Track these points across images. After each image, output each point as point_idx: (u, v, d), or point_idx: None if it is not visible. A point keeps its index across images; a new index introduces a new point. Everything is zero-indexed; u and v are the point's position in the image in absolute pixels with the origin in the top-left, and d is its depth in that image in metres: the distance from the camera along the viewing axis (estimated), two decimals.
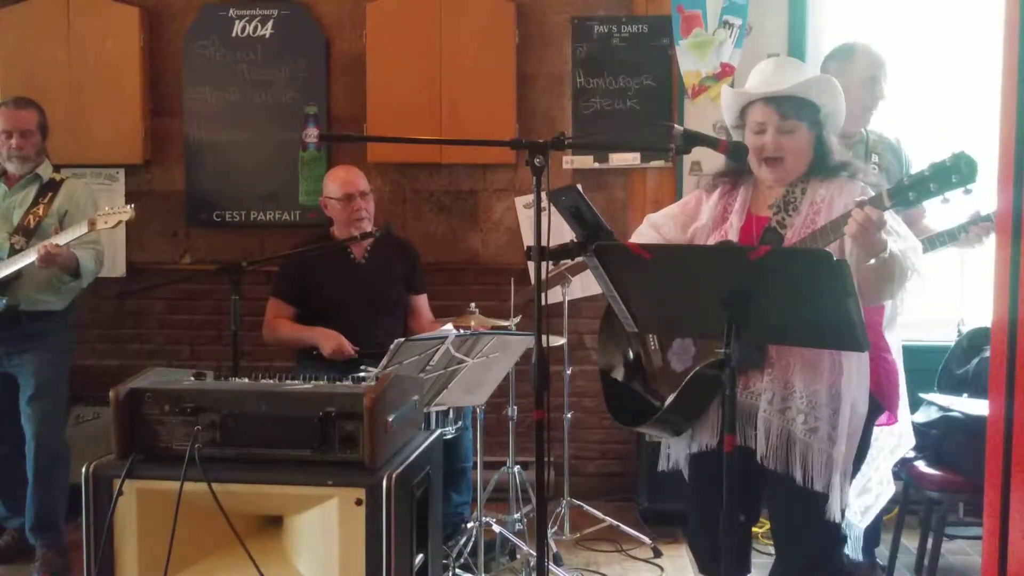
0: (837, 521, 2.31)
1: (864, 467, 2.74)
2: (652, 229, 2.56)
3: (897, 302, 2.33)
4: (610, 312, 2.68)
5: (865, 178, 2.37)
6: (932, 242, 3.26)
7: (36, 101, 3.68)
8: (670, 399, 2.39)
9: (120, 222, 3.38)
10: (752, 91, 2.42)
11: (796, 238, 2.32)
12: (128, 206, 3.40)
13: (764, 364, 2.32)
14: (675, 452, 2.60)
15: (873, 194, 2.21)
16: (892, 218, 2.23)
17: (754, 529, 3.63)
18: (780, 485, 2.33)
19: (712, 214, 2.48)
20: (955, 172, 2.03)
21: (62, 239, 3.39)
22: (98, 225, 3.36)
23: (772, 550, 2.57)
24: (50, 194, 3.60)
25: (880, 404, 2.40)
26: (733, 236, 2.40)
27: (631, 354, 2.60)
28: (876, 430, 2.59)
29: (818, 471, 2.28)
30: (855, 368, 2.28)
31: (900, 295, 2.27)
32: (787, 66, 2.47)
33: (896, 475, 3.46)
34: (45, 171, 3.66)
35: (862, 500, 2.60)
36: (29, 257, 3.38)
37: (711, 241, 2.45)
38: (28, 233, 3.52)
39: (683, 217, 2.55)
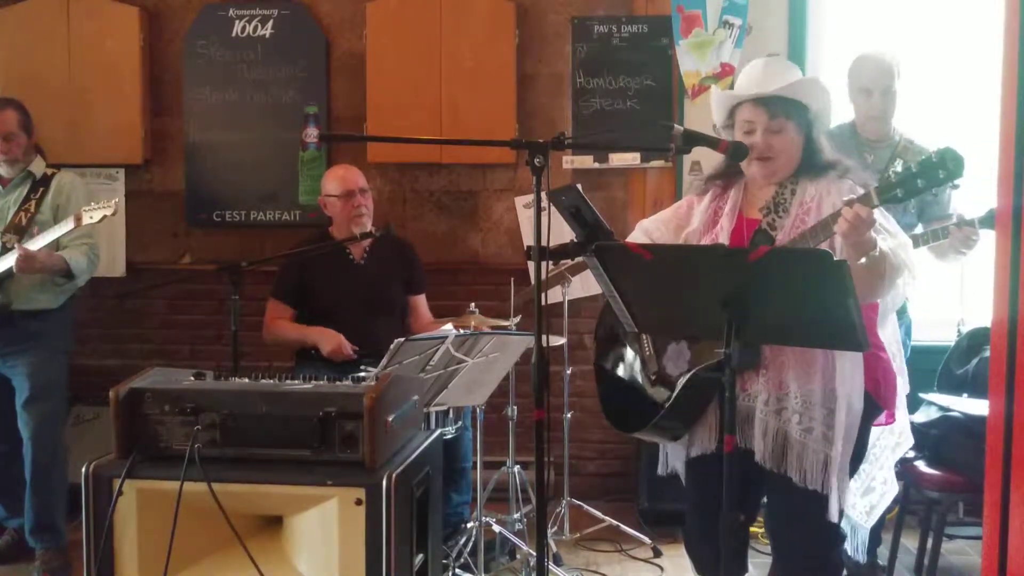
0: (835, 521, 2.31)
1: (867, 467, 2.73)
2: (645, 235, 2.56)
3: (889, 299, 2.33)
4: (604, 319, 2.68)
5: (855, 177, 2.37)
6: (915, 241, 3.23)
7: (15, 99, 3.61)
8: (667, 404, 2.39)
9: (104, 216, 3.35)
10: (739, 92, 2.43)
11: (786, 239, 2.32)
12: (112, 201, 3.38)
13: (759, 365, 2.32)
14: (673, 457, 2.60)
15: (862, 192, 2.22)
16: (882, 215, 2.24)
17: (753, 529, 3.66)
18: (778, 486, 2.34)
19: (703, 218, 2.48)
20: (941, 168, 2.04)
21: (43, 240, 3.35)
22: (83, 220, 3.34)
23: (771, 550, 2.56)
24: (41, 189, 3.56)
25: (877, 404, 2.39)
26: (724, 239, 2.41)
27: (627, 360, 2.60)
28: (877, 430, 2.58)
29: (814, 471, 2.28)
30: (849, 367, 2.28)
31: (892, 293, 2.27)
32: (775, 67, 2.46)
33: (896, 475, 3.46)
34: (38, 168, 3.62)
35: (867, 500, 2.60)
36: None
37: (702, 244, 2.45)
38: (20, 231, 3.46)
39: (675, 222, 2.56)
